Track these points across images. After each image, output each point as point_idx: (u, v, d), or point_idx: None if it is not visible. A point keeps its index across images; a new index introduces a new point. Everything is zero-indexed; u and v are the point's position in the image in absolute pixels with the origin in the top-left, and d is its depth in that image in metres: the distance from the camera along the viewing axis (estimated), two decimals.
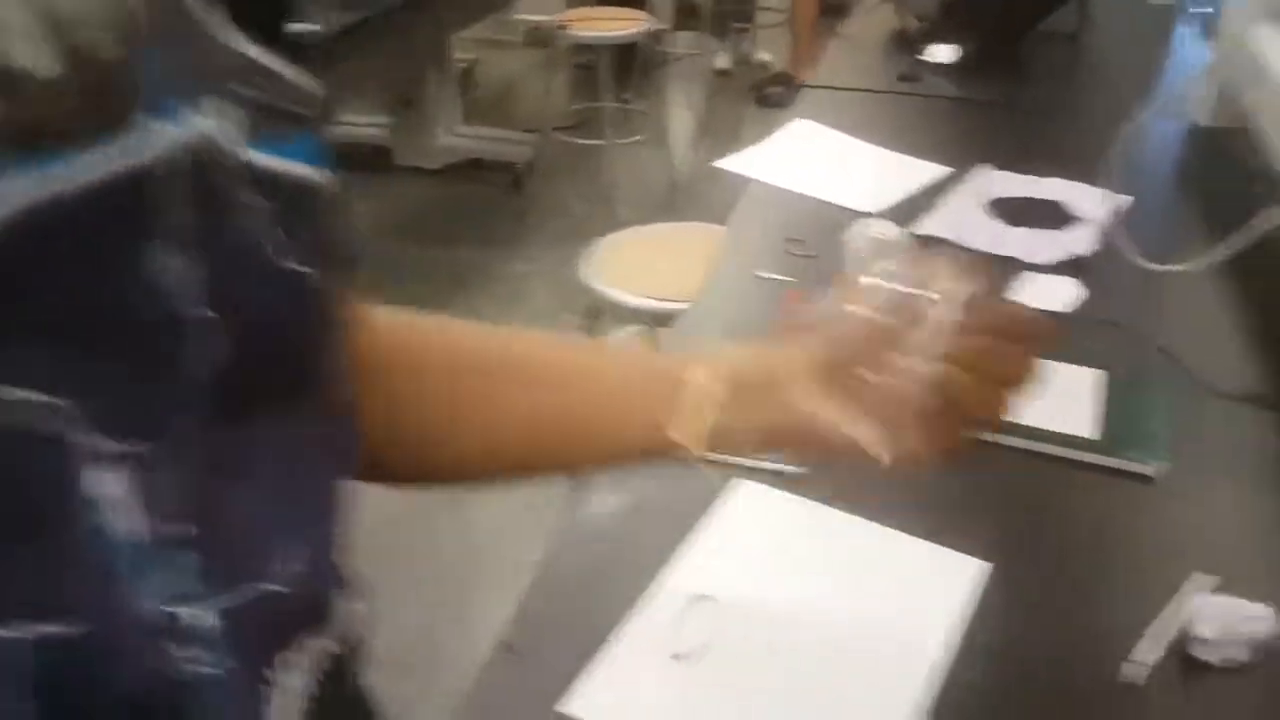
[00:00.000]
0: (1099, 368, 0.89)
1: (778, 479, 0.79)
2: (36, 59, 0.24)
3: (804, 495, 0.77)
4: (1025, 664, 0.64)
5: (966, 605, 0.68)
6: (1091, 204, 1.13)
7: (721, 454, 0.50)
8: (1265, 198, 0.90)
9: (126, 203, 0.26)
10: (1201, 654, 0.63)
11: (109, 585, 0.27)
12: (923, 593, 0.69)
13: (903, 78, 1.54)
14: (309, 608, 0.34)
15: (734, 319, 1.01)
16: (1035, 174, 1.22)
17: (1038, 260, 1.05)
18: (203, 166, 0.28)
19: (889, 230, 1.01)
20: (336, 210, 0.34)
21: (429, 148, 3.55)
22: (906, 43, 1.63)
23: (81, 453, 0.26)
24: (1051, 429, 0.81)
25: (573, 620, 0.68)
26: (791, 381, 0.48)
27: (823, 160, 1.32)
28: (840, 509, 0.76)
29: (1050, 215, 1.14)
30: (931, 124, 1.46)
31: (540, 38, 3.88)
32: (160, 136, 0.27)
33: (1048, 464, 0.80)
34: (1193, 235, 1.10)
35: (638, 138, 3.65)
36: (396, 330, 0.49)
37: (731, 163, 1.32)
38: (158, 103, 0.27)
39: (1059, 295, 0.99)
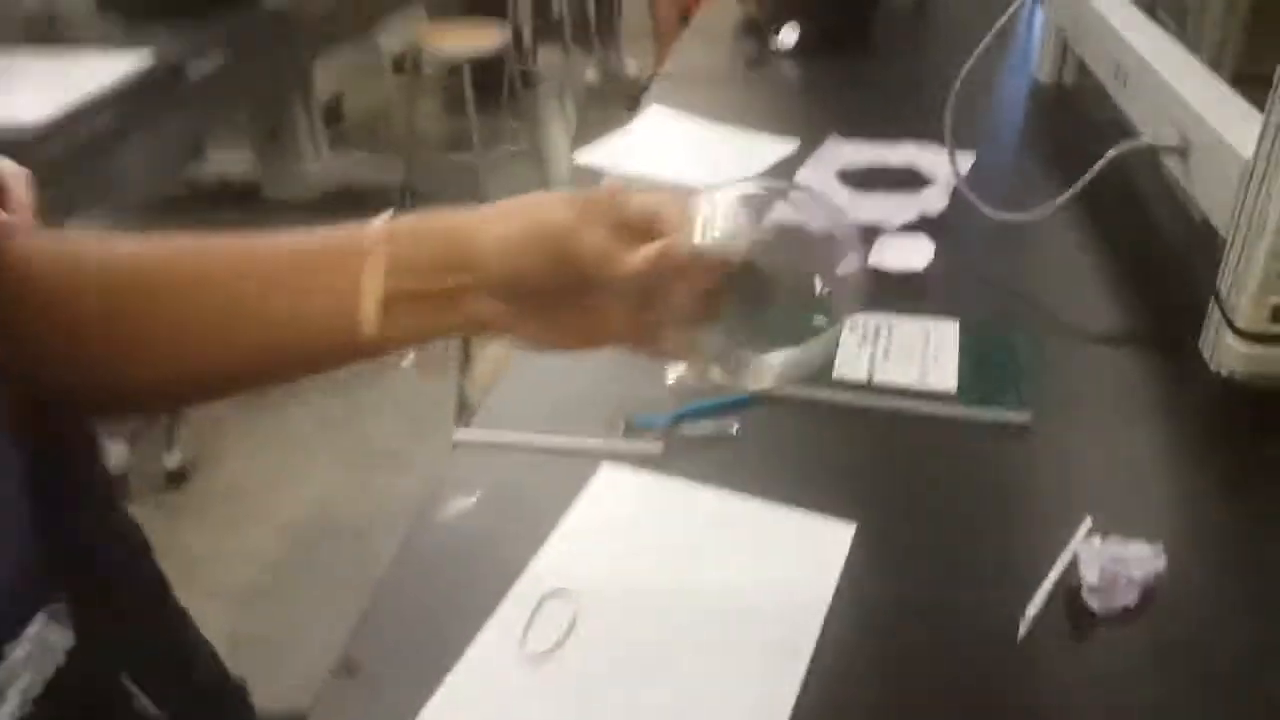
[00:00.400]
0: (958, 321, 0.88)
1: (643, 460, 0.75)
2: None
3: (670, 474, 0.73)
4: (907, 629, 0.61)
5: (842, 572, 0.65)
6: (940, 165, 1.13)
7: (413, 347, 0.46)
8: (1104, 141, 0.91)
9: None
10: (1091, 601, 0.60)
11: None
12: (797, 563, 0.66)
13: (751, 63, 1.54)
14: None
15: None
16: (883, 141, 1.22)
17: (891, 223, 1.04)
18: None
19: (734, 200, 0.98)
20: None
21: (298, 179, 3.45)
22: (754, 30, 1.64)
23: None
24: (916, 386, 0.80)
25: (424, 631, 0.62)
26: (483, 261, 0.46)
27: (677, 144, 1.31)
28: (708, 485, 0.72)
29: (901, 179, 1.14)
30: (782, 103, 1.46)
31: (405, 62, 3.81)
32: None
33: (915, 422, 0.78)
34: (1040, 186, 1.12)
35: (510, 148, 3.62)
36: (52, 257, 0.44)
37: (591, 154, 1.30)
38: None
39: (915, 254, 0.98)
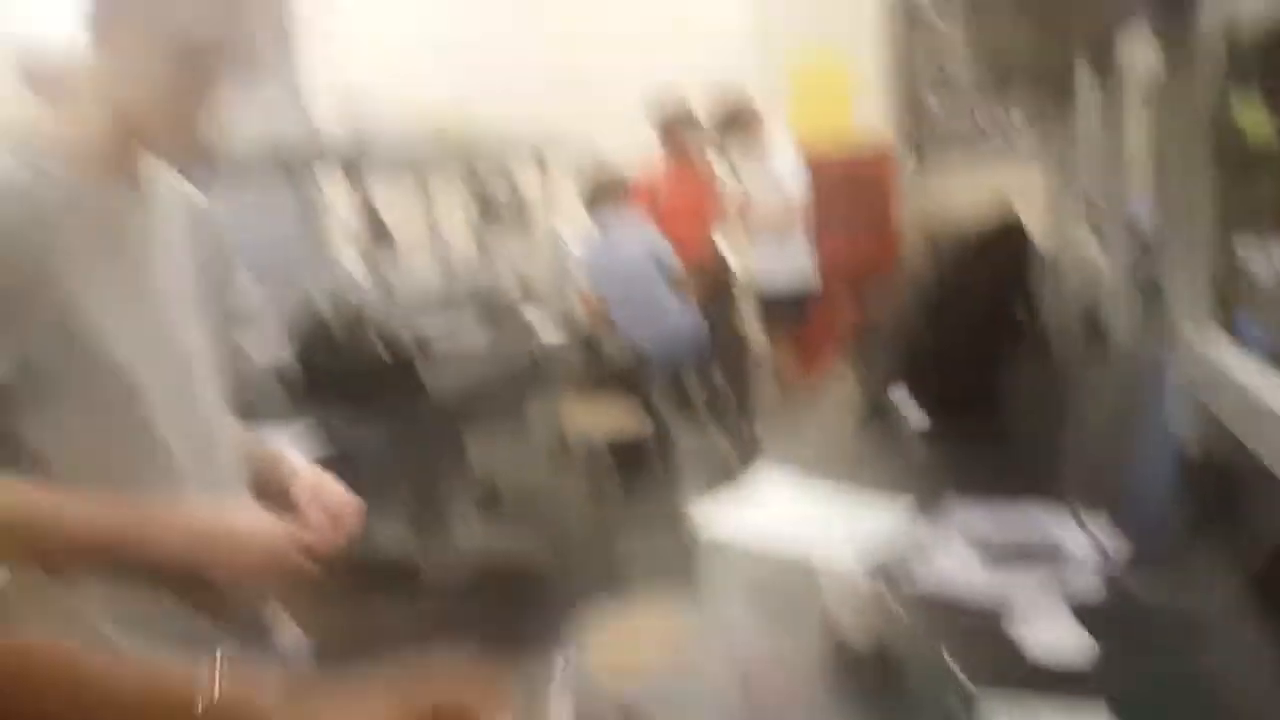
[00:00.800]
0: (1116, 716, 0.77)
1: None
2: None
3: None
4: None
5: None
6: (1084, 539, 1.06)
7: None
8: (1265, 512, 0.84)
9: None
10: None
11: None
12: None
13: (868, 427, 1.56)
14: None
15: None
16: (1020, 511, 1.17)
17: (1032, 601, 0.97)
18: None
19: (860, 577, 0.95)
20: None
21: (452, 556, 3.58)
22: (871, 397, 1.67)
23: None
24: None
25: None
26: None
27: (788, 504, 1.31)
28: None
29: (1041, 552, 1.07)
30: (903, 469, 1.45)
31: (554, 443, 4.06)
32: None
33: None
34: (1198, 560, 1.02)
35: (654, 525, 3.69)
36: None
37: (708, 516, 1.31)
38: None
39: (1060, 637, 0.89)
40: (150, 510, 0.95)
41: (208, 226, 1.14)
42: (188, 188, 1.13)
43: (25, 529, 0.91)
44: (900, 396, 1.60)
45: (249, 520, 1.01)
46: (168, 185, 1.08)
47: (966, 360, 1.59)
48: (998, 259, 1.69)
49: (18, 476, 0.92)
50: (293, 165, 3.24)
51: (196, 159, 1.04)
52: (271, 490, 1.14)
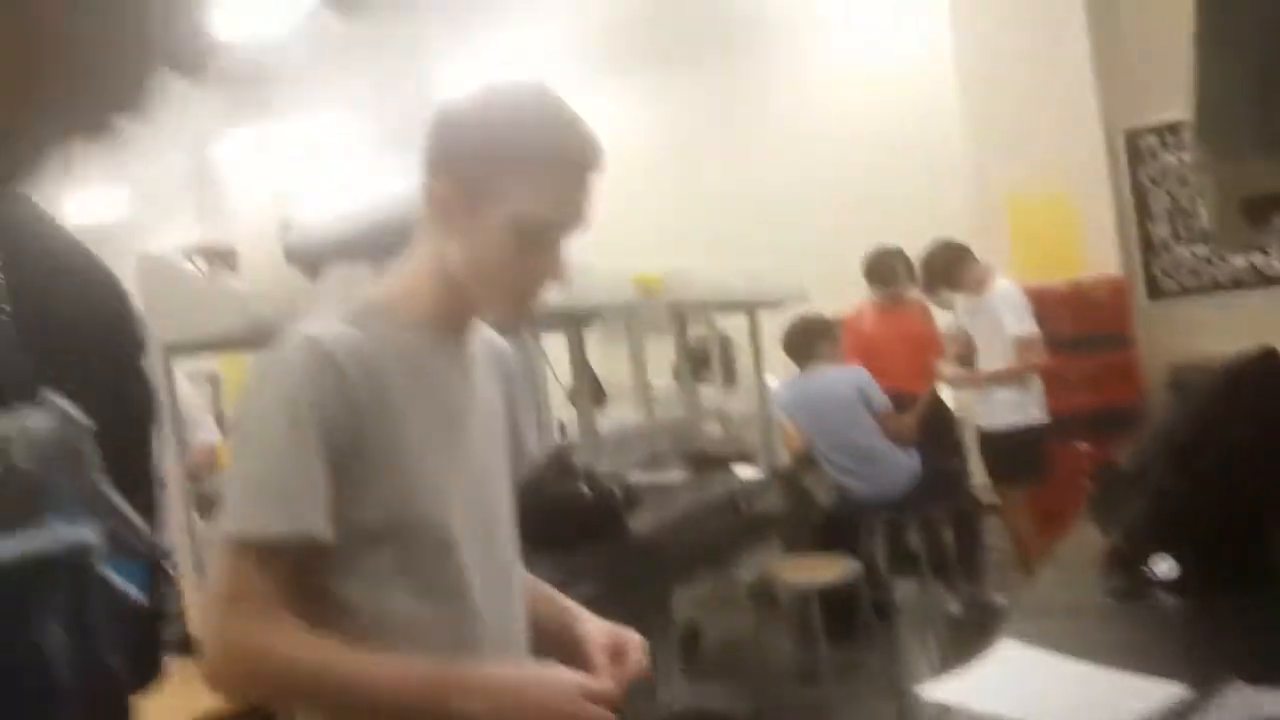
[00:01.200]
0: None
1: None
2: None
3: None
4: None
5: None
6: None
7: None
8: None
9: (29, 578, 0.48)
10: None
11: None
12: None
13: (1118, 595, 1.38)
14: None
15: None
16: None
17: None
18: (79, 566, 0.49)
19: None
20: (146, 626, 0.51)
21: (651, 705, 3.49)
22: (1120, 560, 1.49)
23: None
24: None
25: None
26: None
27: (1033, 683, 1.17)
28: None
29: None
30: (1161, 640, 1.27)
31: (759, 591, 3.92)
32: (58, 536, 0.48)
33: None
34: None
35: (864, 685, 3.44)
36: None
37: (934, 691, 1.19)
38: (61, 514, 0.48)
39: None
40: (452, 670, 0.95)
41: (510, 371, 1.17)
42: (490, 333, 1.15)
43: (332, 685, 0.93)
44: (1153, 555, 1.42)
45: (548, 677, 0.98)
46: (480, 337, 1.11)
47: (1226, 513, 1.40)
48: (1255, 397, 1.50)
49: (327, 631, 0.94)
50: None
51: (522, 322, 1.07)
52: (551, 631, 1.13)
